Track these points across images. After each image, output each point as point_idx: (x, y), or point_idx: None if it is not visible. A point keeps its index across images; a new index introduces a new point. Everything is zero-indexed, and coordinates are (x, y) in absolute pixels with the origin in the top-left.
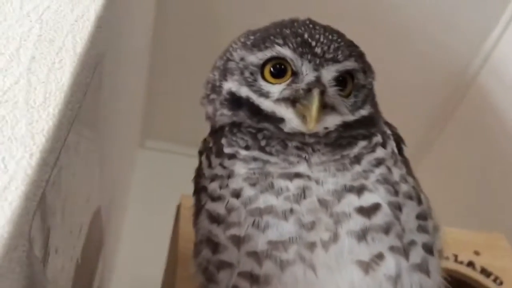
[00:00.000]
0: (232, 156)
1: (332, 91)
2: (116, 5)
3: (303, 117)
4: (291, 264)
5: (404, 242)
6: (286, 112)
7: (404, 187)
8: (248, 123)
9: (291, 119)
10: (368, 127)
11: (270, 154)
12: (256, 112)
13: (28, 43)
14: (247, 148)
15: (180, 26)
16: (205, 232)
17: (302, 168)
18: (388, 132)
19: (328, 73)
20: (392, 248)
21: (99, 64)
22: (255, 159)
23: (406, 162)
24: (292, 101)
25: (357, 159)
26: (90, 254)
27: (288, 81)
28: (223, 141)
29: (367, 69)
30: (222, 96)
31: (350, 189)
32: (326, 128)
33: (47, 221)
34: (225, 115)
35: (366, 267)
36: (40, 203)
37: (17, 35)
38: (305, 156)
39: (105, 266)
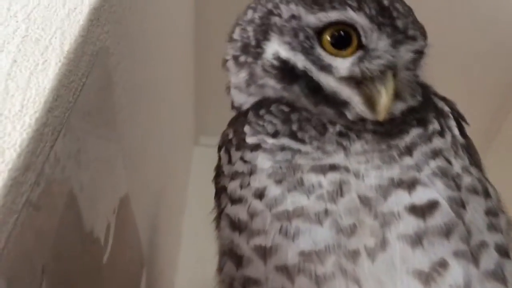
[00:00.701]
0: (256, 147)
1: (405, 74)
2: None
3: (369, 102)
4: (330, 279)
5: (472, 244)
6: (351, 94)
7: (467, 180)
8: (303, 103)
9: (358, 104)
10: (424, 108)
11: (302, 141)
12: (315, 90)
13: (11, 45)
14: (275, 134)
15: (225, 18)
16: (227, 242)
17: (338, 158)
18: (446, 109)
19: (406, 53)
20: (456, 254)
21: (99, 61)
22: (282, 148)
23: (469, 145)
24: (358, 81)
25: (408, 150)
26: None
27: (356, 55)
28: (246, 128)
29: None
30: (266, 61)
31: (399, 184)
32: (391, 114)
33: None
34: (270, 86)
35: (426, 278)
36: (15, 227)
37: (0, 38)
38: (345, 144)
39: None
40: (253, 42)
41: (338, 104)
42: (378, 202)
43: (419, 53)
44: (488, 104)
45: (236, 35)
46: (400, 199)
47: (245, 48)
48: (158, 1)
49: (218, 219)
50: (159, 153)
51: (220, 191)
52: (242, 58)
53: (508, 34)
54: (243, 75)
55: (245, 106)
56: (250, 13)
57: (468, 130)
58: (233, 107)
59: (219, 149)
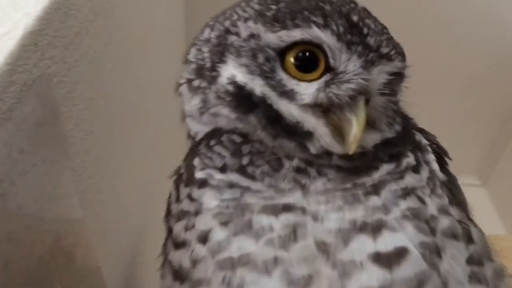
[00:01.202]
0: (204, 183)
1: (379, 100)
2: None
3: (337, 134)
4: None
5: None
6: (316, 124)
7: (444, 222)
8: (259, 136)
9: (323, 135)
10: (401, 141)
11: (253, 178)
12: (274, 120)
13: None
14: (223, 169)
15: None
16: None
17: (293, 197)
18: (424, 142)
19: (380, 75)
20: None
21: (36, 91)
22: (231, 185)
23: (451, 182)
24: (325, 109)
25: (375, 189)
26: None
27: (322, 79)
28: (196, 161)
29: (406, 71)
30: (220, 86)
31: (362, 228)
32: (362, 147)
33: None
34: (223, 116)
35: None
36: None
37: None
38: (304, 182)
39: None
40: (208, 65)
41: (300, 135)
42: (337, 248)
43: (396, 75)
44: (489, 128)
45: (191, 56)
46: (363, 246)
47: (199, 71)
48: (139, 18)
49: (163, 266)
50: (141, 180)
51: (167, 233)
52: (196, 83)
53: (505, 50)
54: (195, 101)
55: (199, 136)
56: (207, 32)
57: (469, 154)
58: (189, 136)
59: (173, 184)
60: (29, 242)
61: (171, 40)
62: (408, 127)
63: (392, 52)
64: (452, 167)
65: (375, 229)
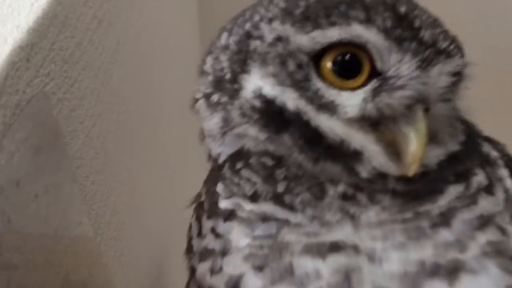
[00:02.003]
0: (231, 215)
1: (441, 107)
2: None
3: (392, 152)
4: None
5: None
6: (366, 142)
7: None
8: (297, 159)
9: (376, 155)
10: (470, 156)
11: (291, 208)
12: (314, 139)
13: None
14: (254, 197)
15: None
16: None
17: (343, 233)
18: (493, 154)
19: (440, 77)
20: None
21: (31, 113)
22: (264, 218)
23: None
24: (375, 122)
25: (444, 219)
26: None
27: (368, 86)
28: (220, 187)
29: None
30: (245, 101)
31: (433, 271)
32: (424, 166)
33: None
34: (250, 137)
35: None
36: None
37: None
38: (353, 211)
39: None
40: (228, 76)
41: (347, 157)
42: None
43: (457, 76)
44: None
45: (207, 67)
46: None
47: (218, 84)
48: (150, 23)
49: None
50: (159, 198)
51: (190, 273)
52: (214, 97)
53: None
54: (216, 120)
55: (222, 158)
56: (224, 37)
57: None
58: (209, 157)
59: (193, 213)
60: (36, 280)
61: (186, 45)
62: (472, 136)
63: (451, 47)
64: None
65: (451, 272)
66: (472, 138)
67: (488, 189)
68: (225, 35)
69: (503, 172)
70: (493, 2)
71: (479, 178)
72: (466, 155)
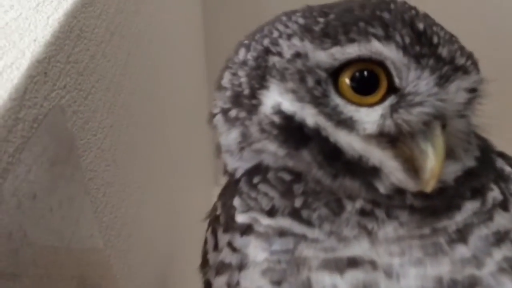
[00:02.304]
0: (248, 230)
1: (459, 124)
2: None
3: (410, 168)
4: None
5: None
6: (384, 158)
7: None
8: (316, 176)
9: (394, 171)
10: (485, 171)
11: (309, 223)
12: (333, 155)
13: None
14: (272, 212)
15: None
16: None
17: (361, 248)
18: (507, 169)
19: (458, 94)
20: None
21: (49, 126)
22: (282, 233)
23: None
24: (393, 139)
25: (461, 235)
26: None
27: (386, 103)
28: (236, 202)
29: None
30: (264, 117)
31: (451, 287)
32: (442, 182)
33: None
34: (269, 152)
35: None
36: None
37: None
38: (371, 227)
39: None
40: (246, 91)
41: (365, 173)
42: None
43: (474, 92)
44: None
45: (225, 82)
46: None
47: (236, 99)
48: (158, 33)
49: None
50: (168, 210)
51: (205, 287)
52: (233, 113)
53: None
54: (234, 135)
55: (239, 172)
56: (242, 53)
57: None
58: (225, 172)
59: (208, 227)
60: None
61: (192, 57)
62: (487, 151)
63: (468, 63)
64: None
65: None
66: (487, 153)
67: (503, 205)
68: (243, 50)
69: None
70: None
71: (494, 193)
72: (481, 170)
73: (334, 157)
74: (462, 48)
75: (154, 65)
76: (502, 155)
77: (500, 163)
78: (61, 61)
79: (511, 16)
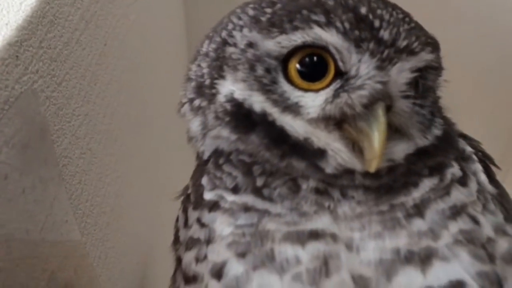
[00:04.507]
0: (214, 206)
1: (403, 104)
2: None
3: (355, 148)
4: None
5: None
6: (329, 140)
7: (502, 245)
8: (265, 157)
9: (339, 152)
10: (444, 151)
11: (270, 200)
12: (279, 138)
13: None
14: (235, 189)
15: None
16: None
17: (322, 222)
18: (468, 149)
19: (400, 74)
20: None
21: (19, 109)
22: (246, 208)
23: (502, 195)
24: (339, 121)
25: (418, 210)
26: None
27: (331, 87)
28: (204, 180)
29: (440, 63)
30: (219, 105)
31: (407, 258)
32: (391, 161)
33: None
34: (223, 138)
35: None
36: None
37: None
38: (329, 205)
39: None
40: (207, 82)
41: (311, 154)
42: (379, 284)
43: (425, 70)
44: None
45: (191, 73)
46: (411, 280)
47: (199, 90)
48: (137, 26)
49: None
50: (147, 198)
51: (176, 263)
52: (196, 102)
53: None
54: (197, 123)
55: (206, 155)
56: (205, 45)
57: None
58: (197, 156)
59: (181, 206)
60: (21, 279)
61: (172, 49)
62: (449, 131)
63: (415, 44)
64: None
65: (424, 259)
66: (449, 133)
67: (462, 181)
68: (206, 42)
69: (477, 166)
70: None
71: (454, 170)
72: (440, 149)
73: (280, 140)
74: (411, 30)
75: (132, 56)
76: (464, 136)
77: (461, 143)
78: (33, 45)
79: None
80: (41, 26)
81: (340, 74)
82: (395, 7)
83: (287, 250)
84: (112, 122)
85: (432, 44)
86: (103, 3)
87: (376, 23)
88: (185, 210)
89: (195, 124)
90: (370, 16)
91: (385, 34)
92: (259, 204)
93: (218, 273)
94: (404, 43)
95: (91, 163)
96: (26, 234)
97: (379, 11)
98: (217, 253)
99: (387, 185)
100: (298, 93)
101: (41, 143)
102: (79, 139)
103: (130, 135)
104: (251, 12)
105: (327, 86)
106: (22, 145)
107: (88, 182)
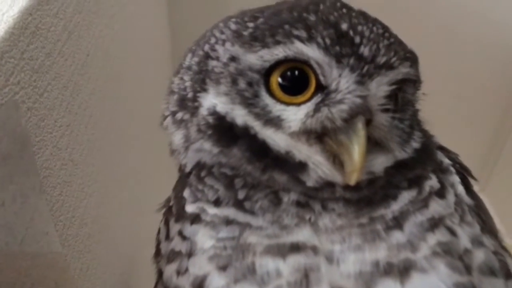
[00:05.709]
0: (196, 219)
1: (382, 117)
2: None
3: (335, 161)
4: None
5: None
6: (310, 153)
7: (479, 256)
8: (247, 170)
9: (320, 165)
10: (422, 163)
11: (252, 213)
12: (260, 151)
13: None
14: (217, 202)
15: None
16: None
17: (303, 235)
18: (446, 161)
19: (379, 88)
20: None
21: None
22: (227, 222)
23: (479, 207)
24: (320, 134)
25: (397, 222)
26: None
27: (312, 101)
28: (186, 193)
29: (419, 76)
30: (201, 118)
31: (386, 270)
32: (371, 173)
33: None
34: (205, 151)
35: None
36: None
37: None
38: (310, 217)
39: None
40: (190, 95)
41: (292, 167)
42: None
43: (403, 83)
44: (486, 132)
45: (174, 86)
46: None
47: (182, 103)
48: (121, 36)
49: None
50: (129, 210)
51: (158, 276)
52: (179, 115)
53: (501, 54)
54: (179, 137)
55: (188, 167)
56: (188, 58)
57: (466, 159)
58: (179, 169)
59: (162, 218)
60: None
61: (156, 60)
62: (428, 144)
63: (394, 59)
64: None
65: (403, 271)
66: (428, 146)
67: (440, 193)
68: (189, 56)
69: (455, 178)
70: None
71: (432, 182)
72: (418, 162)
73: (262, 153)
74: (390, 45)
75: (116, 67)
76: (442, 148)
77: (440, 155)
78: (15, 57)
79: None
80: (23, 37)
81: (321, 88)
82: (375, 22)
83: (268, 263)
84: (94, 133)
85: (411, 58)
86: (86, 13)
87: (357, 39)
88: (166, 223)
89: (178, 137)
90: (351, 33)
91: (365, 51)
92: (241, 217)
93: (199, 286)
94: (384, 59)
95: (72, 174)
96: (5, 246)
97: (359, 27)
98: (199, 266)
99: (367, 197)
100: (280, 106)
101: (22, 154)
102: (60, 150)
103: (112, 146)
104: (233, 26)
105: (308, 100)
106: (3, 156)
107: (69, 194)
